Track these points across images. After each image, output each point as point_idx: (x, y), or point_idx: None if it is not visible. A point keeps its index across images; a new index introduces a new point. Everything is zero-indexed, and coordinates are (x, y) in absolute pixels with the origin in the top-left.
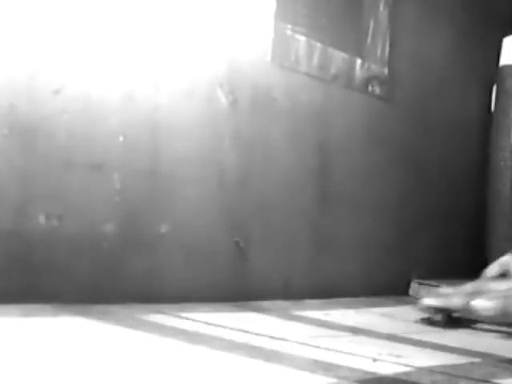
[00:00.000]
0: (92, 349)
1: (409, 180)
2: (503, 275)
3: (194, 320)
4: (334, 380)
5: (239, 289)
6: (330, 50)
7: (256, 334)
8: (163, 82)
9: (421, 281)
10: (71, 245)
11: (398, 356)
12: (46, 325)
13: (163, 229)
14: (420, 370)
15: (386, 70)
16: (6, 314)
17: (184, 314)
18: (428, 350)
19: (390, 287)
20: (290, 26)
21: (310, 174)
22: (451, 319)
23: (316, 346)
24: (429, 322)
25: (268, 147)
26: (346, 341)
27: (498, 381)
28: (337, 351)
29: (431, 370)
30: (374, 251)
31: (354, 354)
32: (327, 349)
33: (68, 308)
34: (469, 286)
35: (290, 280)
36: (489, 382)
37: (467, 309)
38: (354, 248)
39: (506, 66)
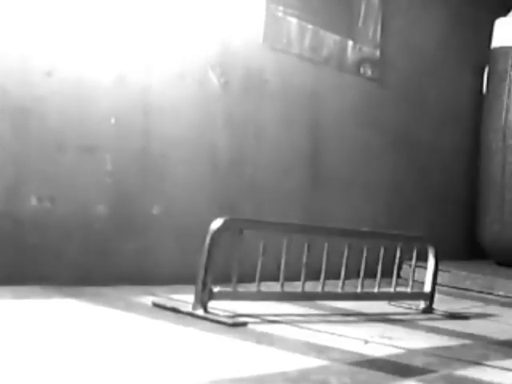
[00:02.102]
0: (83, 330)
1: (401, 161)
2: None
3: (184, 302)
4: (326, 362)
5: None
6: (322, 31)
7: (247, 315)
8: (155, 64)
9: (411, 263)
10: (63, 226)
11: (390, 338)
12: (38, 307)
13: (155, 210)
14: (412, 351)
15: (377, 52)
16: None
17: (175, 296)
18: (420, 333)
19: (382, 269)
20: (281, 8)
21: (301, 154)
22: None
23: (308, 328)
24: None
25: (260, 128)
26: (337, 323)
27: (490, 362)
28: (329, 333)
29: (423, 353)
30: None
31: (347, 336)
32: (319, 331)
33: (59, 290)
34: None
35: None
36: (481, 363)
37: None
38: None
39: (498, 48)
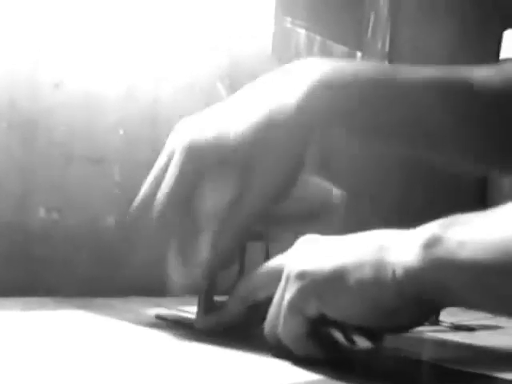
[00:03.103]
0: (92, 342)
1: (407, 178)
2: None
3: (193, 314)
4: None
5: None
6: (330, 43)
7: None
8: (163, 76)
9: None
10: (71, 238)
11: (397, 349)
12: (47, 318)
13: None
14: (418, 363)
15: (386, 63)
16: (6, 307)
17: (185, 308)
18: (426, 345)
19: None
20: (290, 20)
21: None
22: None
23: None
24: None
25: None
26: None
27: (498, 374)
28: None
29: (430, 365)
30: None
31: None
32: None
33: (68, 301)
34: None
35: None
36: (489, 376)
37: None
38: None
39: (507, 60)
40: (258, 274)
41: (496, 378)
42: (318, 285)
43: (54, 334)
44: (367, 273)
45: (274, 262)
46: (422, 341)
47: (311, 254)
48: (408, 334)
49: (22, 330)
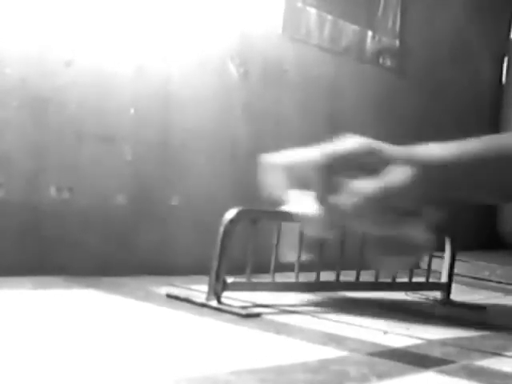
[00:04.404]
0: (102, 320)
1: None
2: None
3: (201, 292)
4: (346, 352)
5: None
6: (341, 22)
7: (263, 305)
8: (175, 55)
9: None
10: (82, 217)
11: (408, 329)
12: (58, 297)
13: (174, 201)
14: (430, 342)
15: (397, 42)
16: (18, 286)
17: (194, 286)
18: (437, 323)
19: None
20: None
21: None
22: None
23: (325, 319)
24: None
25: (279, 119)
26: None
27: (509, 353)
28: (347, 324)
29: (442, 343)
30: None
31: (365, 327)
32: (337, 321)
33: (79, 280)
34: None
35: None
36: (500, 354)
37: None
38: None
39: None
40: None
41: (507, 356)
42: None
43: (65, 312)
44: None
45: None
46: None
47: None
48: (419, 314)
49: (33, 309)
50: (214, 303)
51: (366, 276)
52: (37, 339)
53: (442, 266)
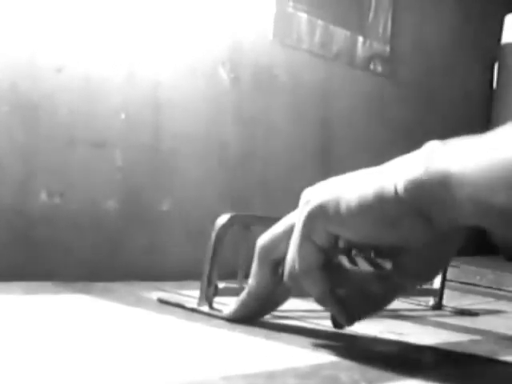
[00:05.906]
0: (93, 326)
1: None
2: None
3: (194, 297)
4: (337, 358)
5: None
6: (332, 27)
7: None
8: (165, 60)
9: None
10: (73, 222)
11: (400, 334)
12: (48, 302)
13: (165, 206)
14: (422, 347)
15: (387, 48)
16: (8, 291)
17: (185, 292)
18: (429, 328)
19: None
20: (291, 4)
21: (311, 151)
22: None
23: (316, 324)
24: None
25: (270, 124)
26: None
27: (501, 358)
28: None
29: (433, 349)
30: None
31: (356, 332)
32: (328, 327)
33: (69, 285)
34: None
35: None
36: (491, 359)
37: None
38: None
39: (508, 44)
40: (274, 231)
41: (498, 362)
42: (323, 205)
43: (55, 317)
44: (370, 189)
45: (287, 218)
46: (425, 325)
47: (318, 186)
48: (411, 320)
49: (23, 314)
50: (205, 308)
51: None
52: (26, 345)
53: None
